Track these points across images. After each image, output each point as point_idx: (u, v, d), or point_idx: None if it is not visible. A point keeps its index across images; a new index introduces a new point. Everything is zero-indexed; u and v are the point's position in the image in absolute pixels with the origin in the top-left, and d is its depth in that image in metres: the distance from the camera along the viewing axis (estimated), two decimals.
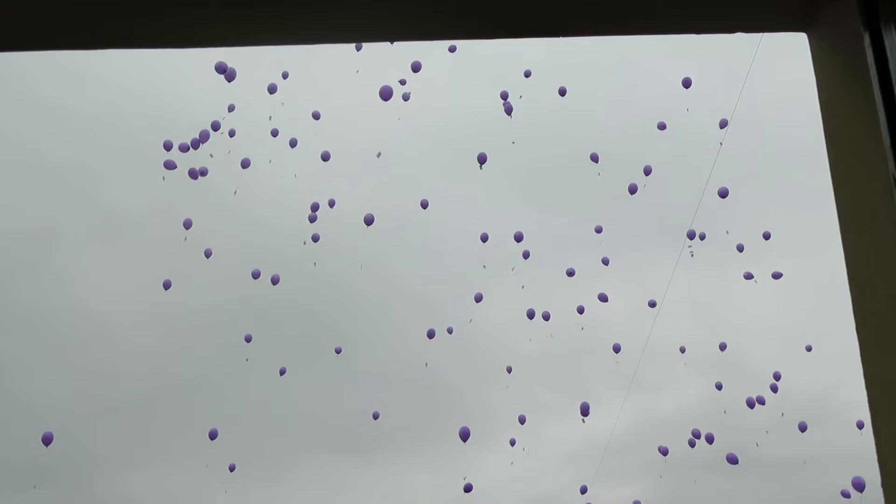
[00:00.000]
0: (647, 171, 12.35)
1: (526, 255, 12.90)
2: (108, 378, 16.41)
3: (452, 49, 12.03)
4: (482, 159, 12.24)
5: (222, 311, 16.46)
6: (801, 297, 13.45)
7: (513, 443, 13.31)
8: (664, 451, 12.61)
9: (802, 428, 12.34)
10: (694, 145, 13.50)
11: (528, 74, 12.08)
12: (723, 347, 12.74)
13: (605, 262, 12.81)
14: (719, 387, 13.06)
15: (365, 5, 1.63)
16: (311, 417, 17.78)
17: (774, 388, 12.28)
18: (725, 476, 12.80)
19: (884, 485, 1.43)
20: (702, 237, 12.40)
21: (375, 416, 13.01)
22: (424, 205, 12.84)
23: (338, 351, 13.32)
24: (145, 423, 16.42)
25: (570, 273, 13.02)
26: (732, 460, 12.02)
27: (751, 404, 12.32)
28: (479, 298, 13.02)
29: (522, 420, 13.17)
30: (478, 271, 13.28)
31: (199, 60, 13.53)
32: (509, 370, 13.24)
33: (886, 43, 1.44)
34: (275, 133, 12.53)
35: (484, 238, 13.03)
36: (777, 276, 12.48)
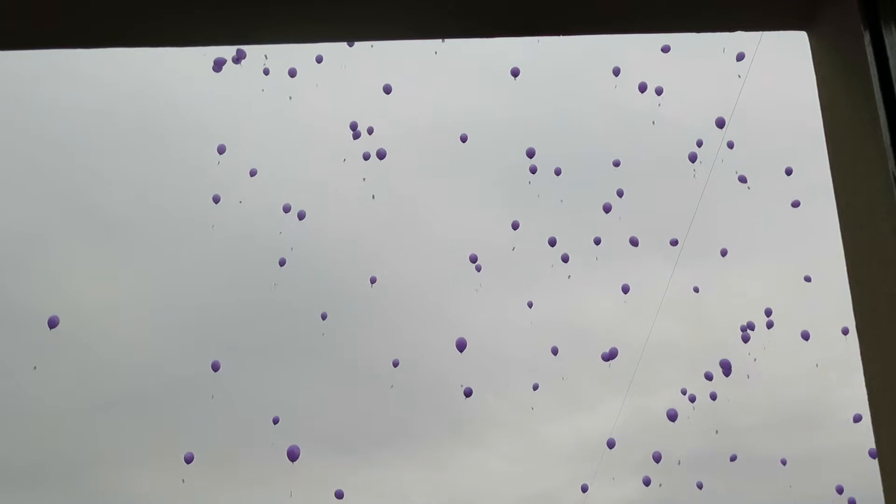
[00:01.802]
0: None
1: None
2: (107, 377, 16.41)
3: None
4: (515, 73, 11.94)
5: (221, 309, 16.46)
6: (799, 296, 13.47)
7: (509, 443, 13.31)
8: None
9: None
10: (690, 145, 13.49)
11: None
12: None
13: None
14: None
15: (365, 4, 1.63)
16: (310, 417, 17.78)
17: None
18: (723, 476, 12.81)
19: (884, 484, 1.43)
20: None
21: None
22: (464, 139, 12.33)
23: (373, 281, 12.79)
24: (145, 422, 16.43)
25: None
26: (726, 365, 11.82)
27: (745, 332, 12.17)
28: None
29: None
30: (473, 272, 13.27)
31: (192, 61, 13.51)
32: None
33: (887, 41, 1.44)
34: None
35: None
36: (796, 204, 12.26)
